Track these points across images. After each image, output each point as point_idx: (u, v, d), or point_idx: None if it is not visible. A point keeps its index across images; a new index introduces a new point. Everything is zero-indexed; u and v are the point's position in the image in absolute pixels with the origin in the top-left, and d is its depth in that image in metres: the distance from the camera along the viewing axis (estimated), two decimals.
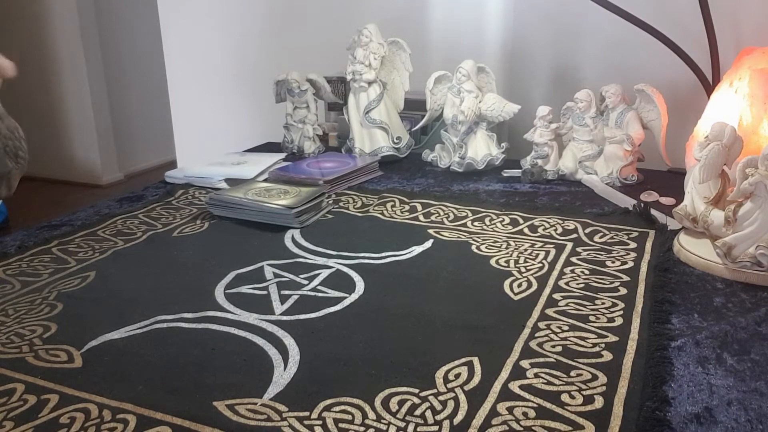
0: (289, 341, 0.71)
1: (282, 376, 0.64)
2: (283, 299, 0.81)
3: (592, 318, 0.75)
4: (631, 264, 0.89)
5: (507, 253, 0.94)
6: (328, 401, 0.60)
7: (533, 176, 1.29)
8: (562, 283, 0.84)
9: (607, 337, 0.71)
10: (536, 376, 0.64)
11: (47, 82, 3.80)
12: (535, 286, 0.83)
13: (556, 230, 1.02)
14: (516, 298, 0.81)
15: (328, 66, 1.63)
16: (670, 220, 1.02)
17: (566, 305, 0.78)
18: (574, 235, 1.00)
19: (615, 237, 0.99)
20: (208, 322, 0.75)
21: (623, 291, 0.82)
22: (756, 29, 1.37)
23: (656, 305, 0.77)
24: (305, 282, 0.86)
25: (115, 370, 0.65)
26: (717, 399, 0.59)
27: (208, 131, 2.09)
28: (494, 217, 1.09)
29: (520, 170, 1.32)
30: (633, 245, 0.96)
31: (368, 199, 1.19)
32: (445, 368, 0.65)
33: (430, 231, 1.03)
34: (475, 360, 0.66)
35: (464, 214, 1.10)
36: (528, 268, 0.89)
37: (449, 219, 1.08)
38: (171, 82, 2.12)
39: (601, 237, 0.99)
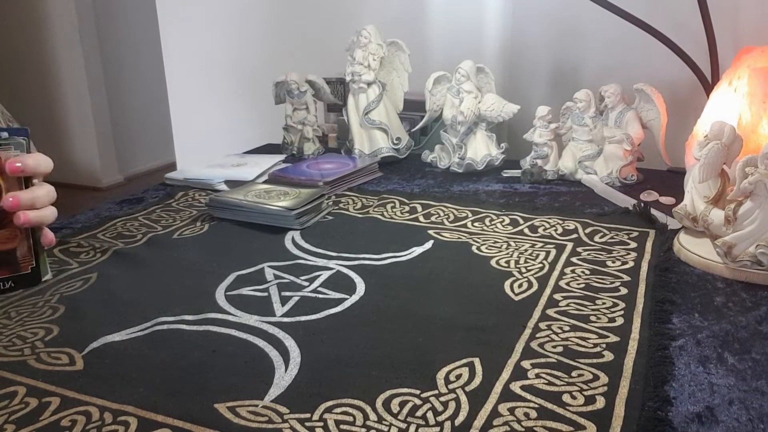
0: (290, 343, 0.71)
1: (283, 378, 0.64)
2: (284, 301, 0.81)
3: (592, 318, 0.75)
4: (631, 264, 0.90)
5: (507, 254, 0.94)
6: (330, 403, 0.60)
7: (533, 176, 1.29)
8: (562, 283, 0.84)
9: (608, 337, 0.71)
10: (537, 376, 0.64)
11: (46, 84, 3.80)
12: (535, 287, 0.83)
13: (556, 230, 1.02)
14: (516, 298, 0.81)
15: (327, 67, 1.64)
16: (670, 219, 1.03)
17: (567, 305, 0.78)
18: (575, 235, 1.00)
19: (615, 237, 0.99)
20: (208, 324, 0.75)
21: (624, 291, 0.82)
22: (755, 28, 1.37)
23: (657, 305, 0.77)
24: (306, 283, 0.86)
25: (116, 373, 0.65)
26: (718, 398, 0.60)
27: (208, 133, 2.09)
28: (494, 217, 1.09)
29: (519, 170, 1.32)
30: (633, 245, 0.96)
31: (368, 201, 1.19)
32: (446, 369, 0.65)
33: (431, 232, 1.03)
34: (476, 361, 0.66)
35: (464, 214, 1.10)
36: (528, 268, 0.89)
37: (449, 220, 1.08)
38: (170, 84, 2.12)
39: (601, 237, 0.99)
